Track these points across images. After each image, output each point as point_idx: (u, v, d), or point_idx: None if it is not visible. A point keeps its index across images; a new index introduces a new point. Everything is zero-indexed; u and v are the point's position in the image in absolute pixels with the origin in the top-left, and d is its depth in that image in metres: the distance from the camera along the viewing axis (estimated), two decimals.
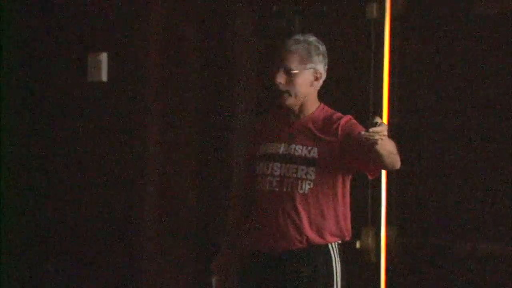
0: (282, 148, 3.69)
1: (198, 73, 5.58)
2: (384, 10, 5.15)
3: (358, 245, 5.02)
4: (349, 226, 3.75)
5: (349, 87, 5.17)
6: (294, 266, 3.67)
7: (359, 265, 4.97)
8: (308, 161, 3.66)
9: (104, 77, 5.58)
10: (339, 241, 3.72)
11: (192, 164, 5.58)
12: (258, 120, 4.06)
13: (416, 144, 5.07)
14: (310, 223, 3.65)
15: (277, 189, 3.67)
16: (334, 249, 3.71)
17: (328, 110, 3.77)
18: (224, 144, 5.49)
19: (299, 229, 3.65)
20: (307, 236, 3.65)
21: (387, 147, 3.47)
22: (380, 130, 3.34)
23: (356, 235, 4.62)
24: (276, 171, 3.68)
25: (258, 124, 3.91)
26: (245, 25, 5.53)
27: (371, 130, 3.32)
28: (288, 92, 3.68)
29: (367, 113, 5.03)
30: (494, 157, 4.99)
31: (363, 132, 3.36)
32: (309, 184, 3.65)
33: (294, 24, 5.41)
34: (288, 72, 3.67)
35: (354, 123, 3.68)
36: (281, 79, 3.67)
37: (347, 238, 3.75)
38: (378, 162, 3.53)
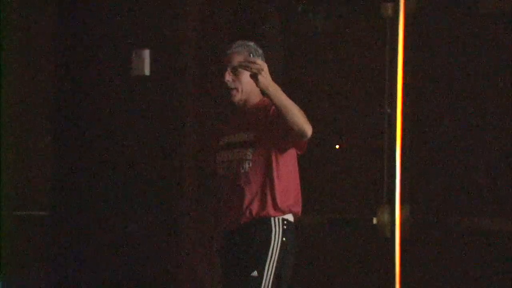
0: (230, 137, 3.82)
1: None
2: (399, 9, 5.13)
3: (374, 221, 5.03)
4: (294, 202, 3.79)
5: (364, 84, 5.15)
6: (241, 238, 3.75)
7: (376, 239, 4.98)
8: (246, 144, 3.76)
9: (147, 72, 5.61)
10: (284, 216, 3.75)
11: None
12: (219, 117, 4.16)
13: (429, 134, 5.07)
14: (252, 199, 3.73)
15: (226, 173, 3.79)
16: (277, 222, 3.74)
17: (268, 101, 3.81)
18: None
19: (243, 204, 3.73)
20: (250, 210, 3.73)
21: (283, 99, 3.56)
22: (255, 60, 3.53)
23: (373, 212, 4.70)
24: (225, 158, 3.81)
25: (219, 120, 4.12)
26: (272, 25, 5.56)
27: (247, 59, 3.53)
28: (236, 88, 3.79)
29: (383, 111, 5.06)
30: (505, 137, 4.99)
31: (241, 62, 3.55)
32: (248, 163, 3.74)
33: (316, 24, 5.45)
34: (235, 71, 3.79)
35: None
36: (229, 77, 3.78)
37: (296, 213, 3.79)
38: (282, 118, 3.59)
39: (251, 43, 3.88)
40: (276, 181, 3.75)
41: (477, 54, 5.04)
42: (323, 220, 5.45)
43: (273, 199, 3.75)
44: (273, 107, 3.72)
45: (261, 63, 3.56)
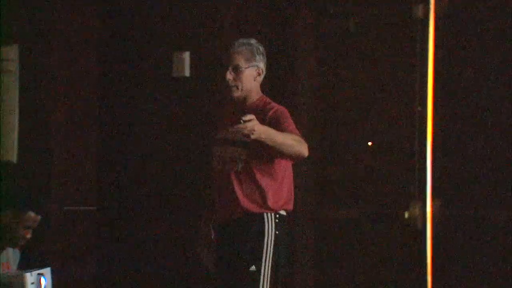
0: (226, 133, 3.82)
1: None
2: (429, 10, 5.05)
3: (406, 215, 5.01)
4: (286, 200, 3.84)
5: (396, 83, 5.16)
6: (234, 232, 3.82)
7: (408, 233, 4.99)
8: (241, 144, 3.78)
9: (187, 73, 5.65)
10: (275, 212, 3.81)
11: None
12: (218, 111, 4.21)
13: (459, 131, 5.08)
14: (245, 196, 3.78)
15: (220, 168, 3.84)
16: (270, 218, 3.81)
17: (266, 100, 3.90)
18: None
19: (236, 202, 3.79)
20: (242, 207, 3.78)
21: (277, 140, 3.62)
22: (244, 126, 3.53)
23: (404, 206, 4.71)
24: (219, 153, 3.86)
25: (218, 114, 4.11)
26: (305, 26, 5.56)
27: (235, 127, 3.54)
28: (236, 86, 3.84)
29: (414, 109, 5.05)
30: None
31: (235, 126, 3.55)
32: (241, 163, 3.79)
33: (348, 25, 5.46)
34: (236, 69, 3.83)
35: (280, 115, 3.79)
36: (230, 75, 3.83)
37: (288, 210, 3.85)
38: (279, 153, 3.69)
39: (253, 41, 3.90)
40: (269, 181, 3.79)
41: (507, 54, 5.03)
42: (358, 214, 5.47)
43: (266, 199, 3.79)
44: (271, 112, 3.77)
45: (246, 125, 3.53)
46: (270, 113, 3.79)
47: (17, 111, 5.77)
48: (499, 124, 5.06)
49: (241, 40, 3.89)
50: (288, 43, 5.54)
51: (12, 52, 5.77)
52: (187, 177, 5.64)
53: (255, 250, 3.78)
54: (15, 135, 5.79)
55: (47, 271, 3.25)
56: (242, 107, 3.85)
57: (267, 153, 3.75)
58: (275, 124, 3.72)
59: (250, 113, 3.70)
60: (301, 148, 3.71)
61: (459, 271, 5.10)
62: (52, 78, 5.81)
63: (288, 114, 3.82)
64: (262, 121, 3.72)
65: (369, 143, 5.30)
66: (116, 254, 5.86)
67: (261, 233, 3.78)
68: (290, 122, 3.76)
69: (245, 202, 3.78)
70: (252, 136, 3.56)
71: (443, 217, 5.10)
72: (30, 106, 5.83)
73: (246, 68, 3.84)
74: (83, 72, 5.93)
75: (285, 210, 3.85)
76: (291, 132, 3.68)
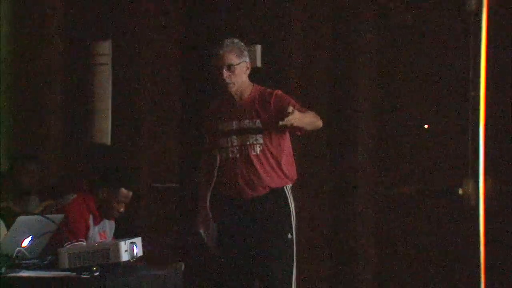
0: (235, 125, 3.88)
1: (327, 62, 5.61)
2: (482, 3, 5.01)
3: (460, 192, 4.99)
4: (295, 171, 3.93)
5: (451, 71, 5.07)
6: (262, 206, 3.86)
7: (462, 208, 4.94)
8: (255, 130, 3.85)
9: (259, 63, 5.64)
10: (290, 184, 3.92)
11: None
12: (210, 106, 4.09)
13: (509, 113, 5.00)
14: (267, 175, 3.85)
15: (238, 155, 3.86)
16: (288, 190, 3.92)
17: (259, 88, 3.95)
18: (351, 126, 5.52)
19: (260, 181, 3.84)
20: (267, 184, 3.86)
21: (305, 121, 3.75)
22: (292, 118, 3.64)
23: (459, 183, 4.66)
24: (234, 142, 3.87)
25: (212, 109, 4.03)
26: (366, 21, 5.53)
27: (285, 120, 3.64)
28: (232, 82, 3.86)
29: (468, 94, 5.00)
30: None
31: (281, 123, 3.66)
32: (259, 147, 3.86)
33: (406, 19, 5.41)
34: (229, 68, 3.85)
35: (281, 97, 3.88)
36: (226, 74, 3.85)
37: (294, 179, 3.94)
38: (303, 129, 3.79)
39: (236, 40, 3.94)
40: (283, 156, 3.88)
41: None
42: (417, 190, 5.44)
43: (283, 172, 3.88)
44: (273, 98, 3.86)
45: (293, 117, 3.65)
46: (272, 98, 3.87)
47: (110, 99, 5.92)
48: None
49: (227, 41, 3.91)
50: (351, 35, 5.51)
51: (105, 47, 5.90)
52: None
53: (286, 219, 3.87)
54: (109, 121, 5.90)
55: (138, 240, 3.28)
56: (239, 101, 3.90)
57: (277, 133, 3.85)
58: (281, 106, 3.79)
59: (249, 104, 3.85)
60: (319, 121, 3.85)
61: (510, 245, 5.01)
62: (139, 70, 5.88)
63: (283, 93, 3.90)
64: (266, 107, 3.85)
65: (426, 126, 5.25)
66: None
67: (287, 204, 3.88)
68: (291, 100, 3.83)
69: (268, 180, 3.86)
70: (295, 124, 3.67)
71: (495, 193, 5.05)
72: (121, 95, 5.94)
73: (237, 64, 3.87)
74: (167, 64, 5.96)
75: (293, 180, 3.94)
76: (299, 108, 3.75)
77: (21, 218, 3.33)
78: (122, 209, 4.21)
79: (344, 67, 5.52)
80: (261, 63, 5.65)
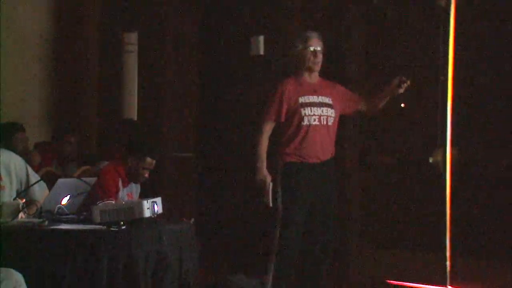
0: (315, 98, 4.00)
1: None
2: (450, 1, 4.81)
3: (430, 160, 4.90)
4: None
5: (423, 58, 4.98)
6: (328, 169, 4.03)
7: (431, 174, 4.87)
8: (329, 105, 4.02)
9: (262, 52, 5.64)
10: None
11: None
12: (285, 83, 4.11)
13: (472, 93, 4.93)
14: (332, 143, 4.03)
15: (317, 123, 3.97)
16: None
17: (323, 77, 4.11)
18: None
19: (331, 146, 4.01)
20: (331, 152, 4.02)
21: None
22: (406, 85, 3.97)
23: (428, 152, 4.66)
24: (316, 112, 3.98)
25: (288, 85, 4.06)
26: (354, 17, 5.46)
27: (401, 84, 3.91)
28: (319, 62, 4.03)
29: (437, 84, 4.95)
30: None
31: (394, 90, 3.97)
32: (331, 119, 4.02)
33: (387, 14, 5.37)
34: (318, 51, 4.02)
35: (343, 88, 4.14)
36: (319, 55, 4.02)
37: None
38: (375, 106, 4.11)
39: (318, 33, 4.09)
40: (335, 132, 4.04)
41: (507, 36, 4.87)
42: (396, 159, 5.45)
43: (334, 144, 4.04)
44: (337, 85, 4.07)
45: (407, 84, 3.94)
46: (337, 85, 4.09)
47: (136, 81, 5.93)
48: (508, 85, 4.93)
49: (315, 32, 4.09)
50: (341, 29, 5.47)
51: (133, 37, 5.92)
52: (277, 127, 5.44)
53: (335, 184, 4.06)
54: (135, 99, 5.94)
55: (158, 200, 3.30)
56: (315, 79, 4.05)
57: (339, 112, 4.04)
58: (345, 91, 4.06)
59: (322, 84, 4.02)
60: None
61: (472, 204, 5.00)
62: (161, 57, 5.87)
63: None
64: (337, 91, 4.05)
65: (402, 105, 5.25)
66: (209, 190, 5.91)
67: (335, 171, 4.06)
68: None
69: (332, 148, 4.02)
70: (400, 90, 3.96)
71: (459, 161, 5.03)
72: (146, 77, 5.96)
73: (321, 50, 4.06)
74: (186, 51, 5.95)
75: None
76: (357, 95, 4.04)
77: (61, 181, 3.39)
78: (146, 175, 4.25)
79: (334, 52, 5.49)
80: (264, 51, 5.64)
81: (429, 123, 4.28)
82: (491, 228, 4.90)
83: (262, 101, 5.53)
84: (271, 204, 3.98)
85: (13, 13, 5.64)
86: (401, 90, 3.94)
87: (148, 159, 4.21)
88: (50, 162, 5.10)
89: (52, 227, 3.11)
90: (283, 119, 4.02)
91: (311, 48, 3.97)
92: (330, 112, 4.02)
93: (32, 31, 5.91)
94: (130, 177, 4.26)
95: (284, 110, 4.02)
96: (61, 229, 3.08)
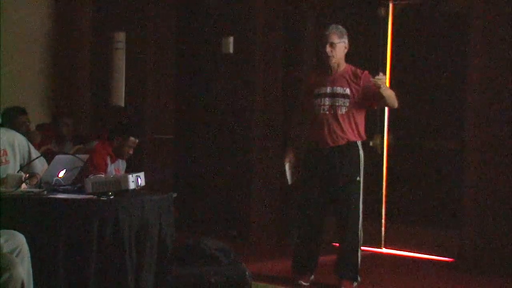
0: (328, 89, 3.79)
1: (282, 49, 5.40)
2: (389, 11, 4.96)
3: (371, 143, 4.97)
4: (364, 133, 3.86)
5: (367, 61, 4.78)
6: (341, 154, 3.78)
7: (371, 155, 4.89)
8: (344, 96, 3.77)
9: (231, 50, 5.55)
10: (361, 140, 3.84)
11: None
12: (309, 75, 4.08)
13: (406, 92, 4.90)
14: (348, 130, 3.76)
15: (328, 112, 3.77)
16: (360, 144, 3.82)
17: (352, 67, 3.86)
18: None
19: (343, 133, 3.75)
20: (347, 137, 3.77)
21: (387, 92, 3.64)
22: (382, 78, 3.56)
23: (369, 137, 4.71)
24: (326, 102, 3.78)
25: (310, 77, 3.98)
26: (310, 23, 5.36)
27: (376, 77, 3.57)
28: (333, 56, 3.77)
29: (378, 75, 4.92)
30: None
31: (372, 79, 3.59)
32: (345, 109, 3.76)
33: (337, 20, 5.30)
34: (331, 44, 3.78)
35: (368, 75, 3.78)
36: (329, 49, 3.77)
37: (365, 139, 3.89)
38: (383, 101, 3.68)
39: (340, 26, 3.81)
40: (359, 119, 3.77)
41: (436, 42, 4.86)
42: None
43: (358, 131, 3.77)
44: (363, 75, 3.72)
45: (383, 79, 3.56)
46: (363, 75, 3.75)
47: (123, 73, 5.85)
48: (432, 80, 4.90)
49: (332, 25, 3.81)
50: (298, 32, 5.39)
51: (121, 36, 5.86)
52: (243, 114, 5.41)
53: (357, 166, 3.74)
54: (123, 88, 5.89)
55: (142, 174, 3.25)
56: (336, 71, 3.78)
57: (359, 103, 3.74)
58: (368, 81, 3.69)
59: (342, 75, 3.73)
60: (396, 102, 3.74)
61: (406, 182, 5.01)
62: (146, 53, 5.78)
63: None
64: (357, 81, 3.72)
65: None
66: (186, 166, 5.85)
67: (358, 155, 3.76)
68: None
69: (348, 134, 3.75)
70: (381, 89, 3.58)
71: (394, 145, 5.05)
72: (132, 70, 5.90)
73: (338, 43, 3.76)
74: (167, 49, 5.87)
75: (364, 139, 3.86)
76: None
77: (59, 157, 3.37)
78: (131, 152, 4.26)
79: (293, 53, 5.44)
80: (233, 50, 5.56)
81: (371, 113, 4.32)
82: (420, 199, 4.91)
83: (229, 92, 5.62)
84: (289, 182, 3.87)
85: (15, 14, 5.60)
86: (380, 83, 3.60)
87: (132, 138, 4.22)
88: (49, 140, 5.06)
89: (50, 196, 3.10)
90: (305, 108, 3.88)
91: (326, 42, 3.73)
92: (344, 102, 3.73)
93: (33, 29, 5.87)
94: (117, 154, 4.26)
95: (305, 101, 3.88)
96: (58, 198, 3.07)
